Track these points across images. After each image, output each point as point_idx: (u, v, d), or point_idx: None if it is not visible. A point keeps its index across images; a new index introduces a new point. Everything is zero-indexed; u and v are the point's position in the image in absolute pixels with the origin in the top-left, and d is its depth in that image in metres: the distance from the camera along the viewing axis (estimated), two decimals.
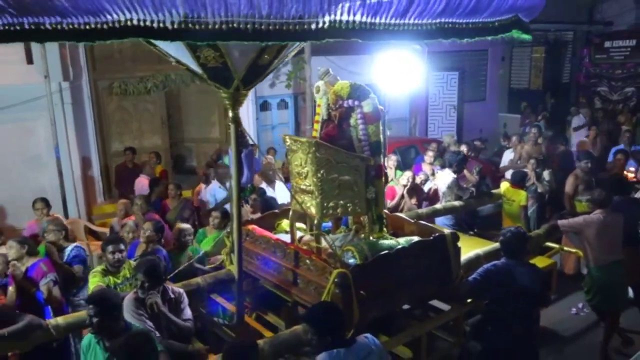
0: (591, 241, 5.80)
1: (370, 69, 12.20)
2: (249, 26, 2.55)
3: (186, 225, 6.27)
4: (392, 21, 2.70)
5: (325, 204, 4.50)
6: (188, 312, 4.43)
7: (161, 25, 2.50)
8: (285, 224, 5.52)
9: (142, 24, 2.49)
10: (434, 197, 7.98)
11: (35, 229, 7.24)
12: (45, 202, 7.45)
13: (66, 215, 9.67)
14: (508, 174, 9.18)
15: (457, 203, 7.41)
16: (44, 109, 9.97)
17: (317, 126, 4.85)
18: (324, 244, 4.69)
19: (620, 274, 5.85)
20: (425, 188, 8.10)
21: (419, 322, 5.03)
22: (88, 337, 3.98)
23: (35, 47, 9.76)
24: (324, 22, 2.57)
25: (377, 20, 2.66)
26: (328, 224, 5.43)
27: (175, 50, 3.69)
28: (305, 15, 2.56)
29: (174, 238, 6.12)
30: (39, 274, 5.42)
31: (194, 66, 3.77)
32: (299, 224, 5.28)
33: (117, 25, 2.50)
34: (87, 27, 2.47)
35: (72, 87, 10.38)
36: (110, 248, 4.91)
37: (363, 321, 4.22)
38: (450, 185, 7.52)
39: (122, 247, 4.97)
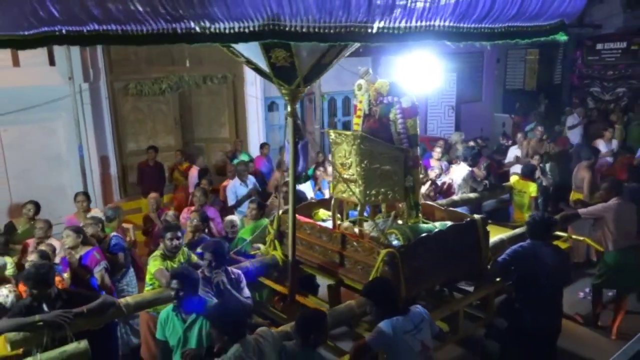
0: (610, 227, 6.32)
1: (377, 70, 12.63)
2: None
3: (234, 217, 6.76)
4: (472, 25, 3.17)
5: (367, 192, 4.96)
6: (247, 292, 4.87)
7: (303, 29, 2.91)
8: (321, 213, 5.98)
9: (281, 28, 2.88)
10: (447, 190, 8.44)
11: (74, 222, 7.60)
12: (86, 196, 7.83)
13: None
14: (513, 169, 9.69)
15: (472, 195, 7.90)
16: (64, 109, 10.35)
17: (358, 120, 5.31)
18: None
19: (638, 257, 6.35)
20: (439, 182, 8.56)
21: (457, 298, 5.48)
22: (166, 311, 4.43)
23: (57, 49, 10.13)
24: (406, 26, 3.01)
25: (463, 25, 3.13)
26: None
27: (249, 51, 4.10)
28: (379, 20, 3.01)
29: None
30: (92, 261, 5.82)
31: (262, 65, 4.20)
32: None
33: (257, 29, 2.90)
34: (232, 30, 2.88)
35: (90, 88, 10.73)
36: (169, 235, 5.31)
37: (408, 296, 4.68)
38: (466, 178, 8.01)
39: (179, 234, 5.38)
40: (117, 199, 11.48)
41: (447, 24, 3.09)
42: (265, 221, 6.87)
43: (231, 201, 8.65)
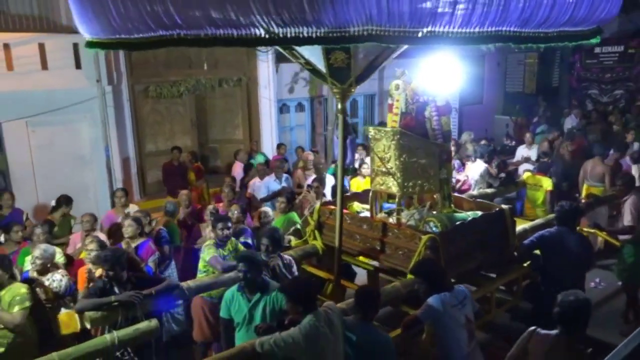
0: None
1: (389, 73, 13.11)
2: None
3: (267, 209, 7.23)
4: (531, 30, 3.65)
5: (405, 184, 5.45)
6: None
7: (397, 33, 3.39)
8: (356, 205, 6.42)
9: (379, 32, 3.34)
10: (461, 187, 8.92)
11: (113, 217, 8.01)
12: (125, 192, 8.24)
13: None
14: (521, 168, 10.20)
15: (489, 190, 8.39)
16: (89, 111, 10.75)
17: (396, 118, 5.75)
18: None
19: None
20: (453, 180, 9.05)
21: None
22: (231, 291, 4.87)
23: (84, 53, 10.54)
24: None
25: (524, 30, 3.62)
26: (391, 205, 6.34)
27: (311, 53, 4.55)
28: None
29: (257, 219, 7.08)
30: (148, 251, 6.27)
31: (320, 66, 4.64)
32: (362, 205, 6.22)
33: (357, 33, 3.35)
34: (335, 34, 3.32)
35: (113, 91, 11.12)
36: (220, 225, 5.75)
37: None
38: (483, 174, 8.50)
39: (229, 224, 5.82)
40: (137, 198, 11.86)
41: (512, 29, 3.56)
42: (294, 215, 7.38)
43: (263, 195, 9.09)
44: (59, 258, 6.59)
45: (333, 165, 9.47)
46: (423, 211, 5.76)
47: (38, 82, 10.14)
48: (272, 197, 8.90)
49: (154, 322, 4.96)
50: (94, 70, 10.65)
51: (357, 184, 9.29)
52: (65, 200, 8.21)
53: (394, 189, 5.48)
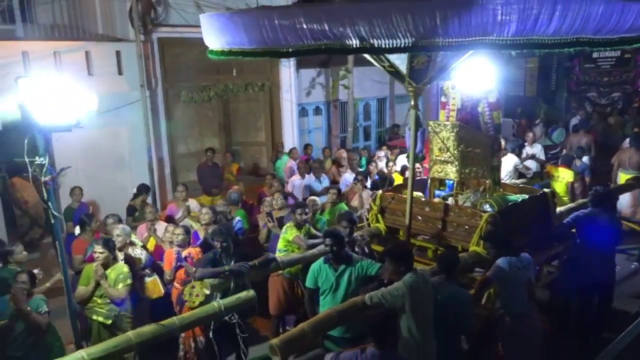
0: None
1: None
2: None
3: (316, 198, 8.04)
4: (600, 37, 4.45)
5: (463, 170, 6.32)
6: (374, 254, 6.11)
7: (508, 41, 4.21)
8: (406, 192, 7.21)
9: (491, 41, 4.17)
10: None
11: (174, 210, 8.75)
12: (185, 187, 8.97)
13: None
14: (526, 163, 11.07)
15: (518, 181, 9.23)
16: (129, 114, 11.40)
17: (452, 113, 6.58)
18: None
19: None
20: None
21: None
22: (317, 264, 5.65)
23: (126, 59, 11.24)
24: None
25: (595, 37, 4.41)
26: (440, 192, 7.15)
27: (396, 57, 5.31)
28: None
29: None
30: None
31: (403, 68, 5.41)
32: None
33: (471, 42, 4.14)
34: (456, 43, 4.10)
35: (150, 95, 11.79)
36: (299, 210, 6.64)
37: None
38: (517, 165, 9.35)
39: (307, 210, 6.64)
40: (170, 197, 12.49)
41: (588, 35, 4.36)
42: (343, 205, 8.15)
43: (305, 194, 9.82)
44: (133, 238, 7.41)
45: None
46: (477, 195, 6.55)
47: (84, 87, 10.74)
48: (321, 195, 9.65)
49: (251, 292, 5.78)
50: (136, 76, 11.30)
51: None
52: (144, 189, 9.10)
53: (452, 175, 6.35)
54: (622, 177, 9.79)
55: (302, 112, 15.01)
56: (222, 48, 5.11)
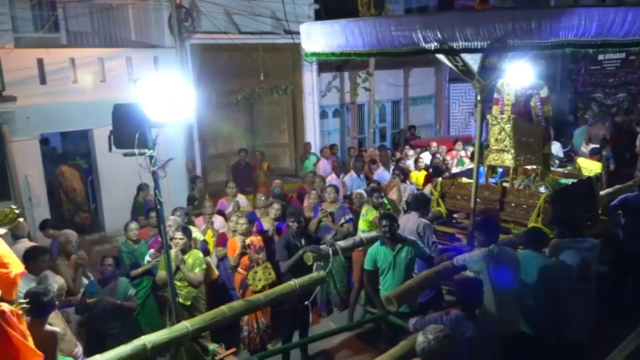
0: None
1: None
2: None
3: (361, 191, 8.81)
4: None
5: (518, 158, 7.01)
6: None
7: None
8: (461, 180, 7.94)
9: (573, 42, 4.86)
10: None
11: (225, 205, 9.26)
12: (235, 183, 9.47)
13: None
14: None
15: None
16: None
17: (507, 108, 7.20)
18: None
19: None
20: None
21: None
22: (374, 246, 6.36)
23: (165, 64, 11.70)
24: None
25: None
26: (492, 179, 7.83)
27: (471, 57, 5.86)
28: None
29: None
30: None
31: (475, 67, 6.03)
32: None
33: (555, 43, 4.76)
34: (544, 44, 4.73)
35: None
36: (375, 194, 7.78)
37: None
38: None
39: (382, 194, 7.93)
40: None
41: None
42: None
43: (349, 190, 10.36)
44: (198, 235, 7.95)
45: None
46: (530, 179, 7.18)
47: (124, 92, 11.20)
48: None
49: (322, 273, 6.32)
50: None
51: (416, 176, 10.73)
52: (196, 179, 10.22)
53: (508, 162, 7.09)
54: None
55: (322, 114, 15.53)
56: (331, 50, 5.92)
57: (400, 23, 5.32)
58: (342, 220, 8.18)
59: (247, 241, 7.39)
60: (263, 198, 8.93)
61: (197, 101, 12.76)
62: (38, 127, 10.57)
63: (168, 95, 5.37)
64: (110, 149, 5.81)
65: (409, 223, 6.83)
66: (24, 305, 3.77)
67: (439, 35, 5.00)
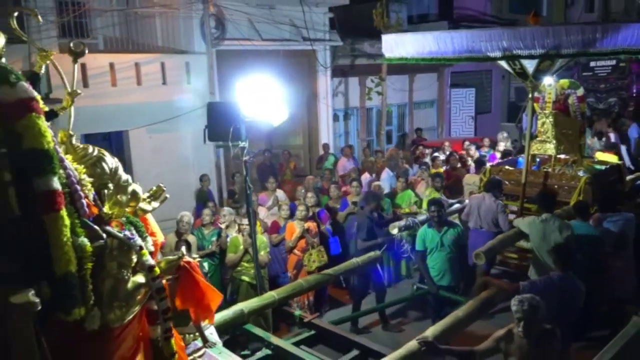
0: None
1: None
2: None
3: (381, 183, 9.99)
4: None
5: (558, 147, 8.15)
6: None
7: None
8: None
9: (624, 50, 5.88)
10: None
11: (265, 199, 10.02)
12: (275, 179, 10.17)
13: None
14: None
15: None
16: (193, 120, 12.39)
17: (548, 105, 8.36)
18: None
19: None
20: None
21: None
22: (423, 229, 7.29)
23: (195, 69, 12.28)
24: None
25: None
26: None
27: (529, 62, 6.73)
28: None
29: None
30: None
31: (531, 70, 7.03)
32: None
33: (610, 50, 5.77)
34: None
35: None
36: (437, 179, 9.41)
37: None
38: None
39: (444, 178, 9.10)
40: (224, 196, 13.49)
41: None
42: (409, 191, 9.53)
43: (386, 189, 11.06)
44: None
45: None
46: (569, 166, 8.26)
47: (158, 95, 11.79)
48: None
49: (378, 252, 7.13)
50: (201, 85, 12.36)
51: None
52: (236, 174, 10.86)
53: (550, 151, 8.35)
54: None
55: (334, 117, 16.20)
56: (421, 56, 7.26)
57: (490, 35, 6.53)
58: None
59: (305, 226, 8.20)
60: (303, 190, 9.85)
61: None
62: (80, 128, 11.02)
63: (260, 94, 6.06)
64: (205, 141, 6.50)
65: (486, 203, 7.92)
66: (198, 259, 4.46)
67: (521, 44, 6.26)
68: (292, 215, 8.64)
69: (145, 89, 11.68)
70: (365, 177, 11.34)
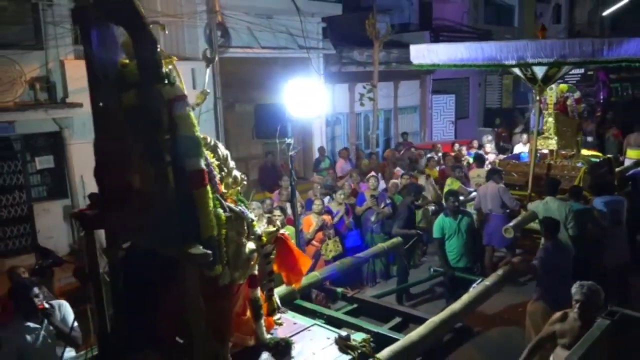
0: None
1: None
2: None
3: (397, 181, 10.61)
4: None
5: (560, 142, 9.30)
6: None
7: None
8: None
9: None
10: None
11: (277, 197, 10.60)
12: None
13: None
14: None
15: None
16: (200, 123, 12.96)
17: (550, 106, 9.46)
18: None
19: None
20: None
21: None
22: (440, 218, 8.28)
23: (200, 75, 12.85)
24: None
25: None
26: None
27: (539, 68, 7.68)
28: None
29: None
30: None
31: (540, 76, 8.08)
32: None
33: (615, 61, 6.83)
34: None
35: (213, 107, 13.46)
36: (457, 170, 10.43)
37: None
38: None
39: (464, 169, 9.97)
40: None
41: None
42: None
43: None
44: None
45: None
46: (568, 159, 9.52)
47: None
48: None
49: (399, 239, 7.85)
50: (209, 90, 12.87)
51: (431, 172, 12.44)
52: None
53: (552, 146, 9.52)
54: (630, 153, 13.48)
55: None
56: (453, 63, 8.62)
57: (516, 46, 7.84)
58: (383, 205, 9.92)
59: (323, 218, 9.03)
60: (318, 187, 10.78)
61: (221, 109, 14.08)
62: (92, 131, 11.50)
63: (305, 95, 6.78)
64: (253, 138, 7.21)
65: (490, 189, 9.05)
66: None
67: (542, 54, 7.53)
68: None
69: None
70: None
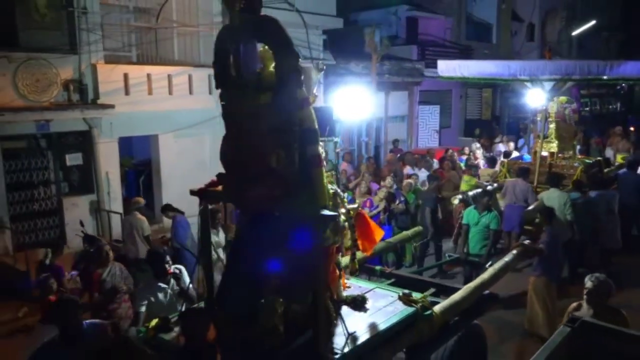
0: None
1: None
2: None
3: (411, 180, 11.65)
4: None
5: (560, 145, 10.63)
6: None
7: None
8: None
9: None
10: None
11: None
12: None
13: None
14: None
15: None
16: (211, 126, 13.80)
17: (552, 114, 10.78)
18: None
19: None
20: None
21: None
22: (469, 209, 9.44)
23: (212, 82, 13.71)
24: None
25: None
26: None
27: (548, 83, 8.91)
28: None
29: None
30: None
31: (548, 87, 9.13)
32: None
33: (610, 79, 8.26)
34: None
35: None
36: (472, 170, 11.34)
37: None
38: None
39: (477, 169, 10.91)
40: None
41: None
42: (419, 186, 11.54)
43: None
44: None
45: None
46: (567, 160, 10.84)
47: (185, 104, 13.15)
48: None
49: (420, 228, 8.94)
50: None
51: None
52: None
53: (553, 149, 10.79)
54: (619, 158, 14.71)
55: None
56: (482, 77, 10.24)
57: (538, 65, 9.51)
58: (397, 201, 10.96)
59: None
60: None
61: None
62: (118, 131, 12.30)
63: (352, 99, 7.78)
64: None
65: (519, 184, 10.24)
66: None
67: (558, 72, 9.18)
68: None
69: (175, 97, 12.98)
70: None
